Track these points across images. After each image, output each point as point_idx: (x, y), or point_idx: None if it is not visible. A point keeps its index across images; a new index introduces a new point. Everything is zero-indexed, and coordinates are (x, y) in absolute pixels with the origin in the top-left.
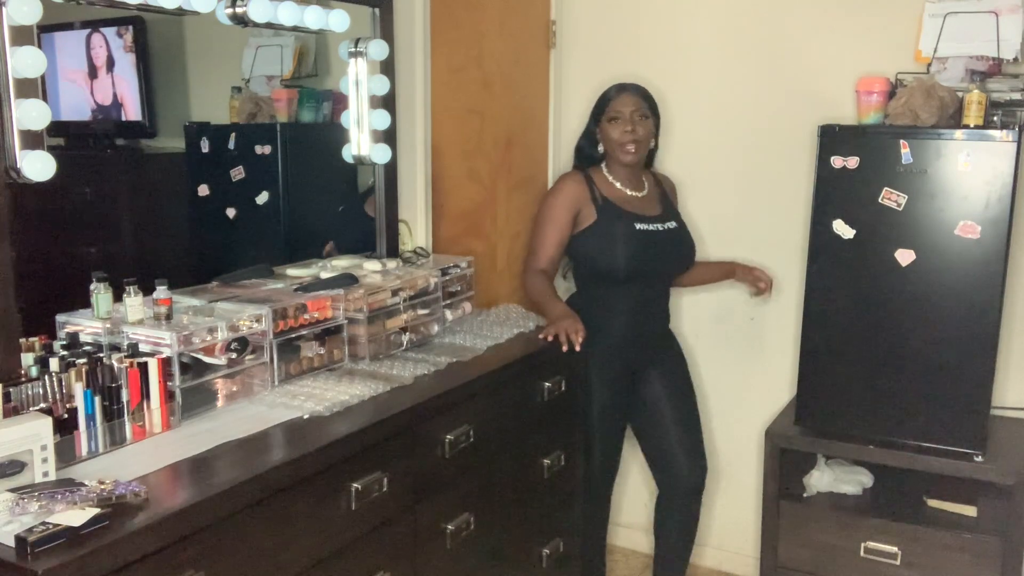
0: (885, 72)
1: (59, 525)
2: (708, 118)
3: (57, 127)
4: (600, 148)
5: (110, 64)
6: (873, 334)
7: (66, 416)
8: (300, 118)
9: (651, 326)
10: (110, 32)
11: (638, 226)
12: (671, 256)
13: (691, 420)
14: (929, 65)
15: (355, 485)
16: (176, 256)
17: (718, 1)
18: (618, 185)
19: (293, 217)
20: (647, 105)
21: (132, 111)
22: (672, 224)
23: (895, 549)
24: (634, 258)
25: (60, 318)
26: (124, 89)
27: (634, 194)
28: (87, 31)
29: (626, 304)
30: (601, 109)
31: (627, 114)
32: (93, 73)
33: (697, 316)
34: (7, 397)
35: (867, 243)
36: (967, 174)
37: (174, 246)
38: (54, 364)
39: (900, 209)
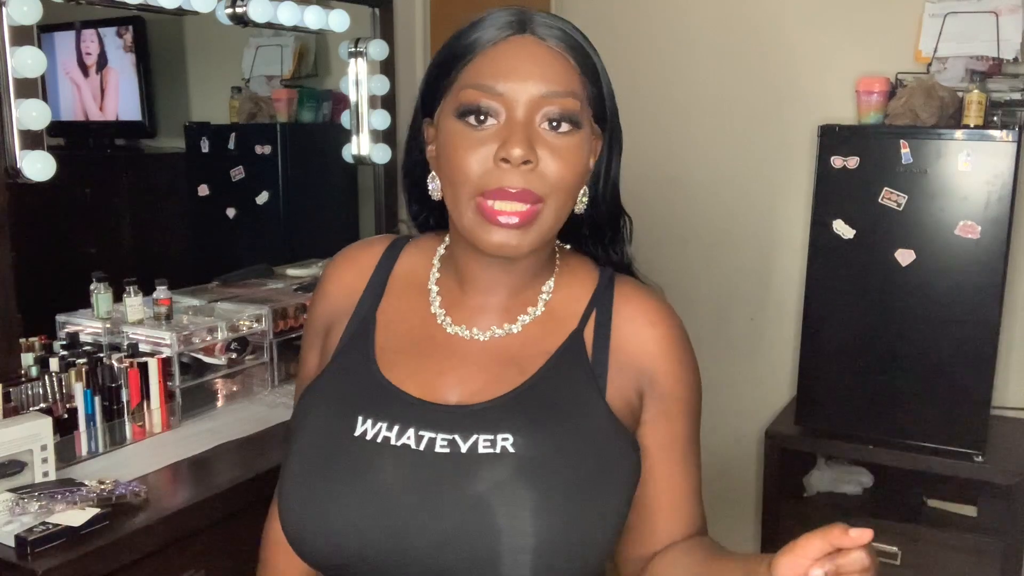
0: (885, 72)
1: (59, 525)
2: (708, 118)
3: (57, 126)
4: (435, 187)
5: (102, 63)
6: (873, 334)
7: (66, 416)
8: (300, 118)
9: None
10: (109, 32)
11: (365, 427)
12: (465, 539)
13: None
14: (929, 65)
15: None
16: (176, 256)
17: (717, 1)
18: (441, 289)
19: (293, 217)
20: (585, 81)
21: (130, 111)
22: (500, 443)
23: (895, 549)
24: (321, 520)
25: (60, 318)
26: (121, 88)
27: (462, 330)
28: (82, 31)
29: None
30: (441, 82)
31: (511, 103)
32: (85, 72)
33: (696, 315)
34: (7, 397)
35: (867, 243)
36: (967, 174)
37: (174, 246)
38: (54, 364)
39: (900, 209)
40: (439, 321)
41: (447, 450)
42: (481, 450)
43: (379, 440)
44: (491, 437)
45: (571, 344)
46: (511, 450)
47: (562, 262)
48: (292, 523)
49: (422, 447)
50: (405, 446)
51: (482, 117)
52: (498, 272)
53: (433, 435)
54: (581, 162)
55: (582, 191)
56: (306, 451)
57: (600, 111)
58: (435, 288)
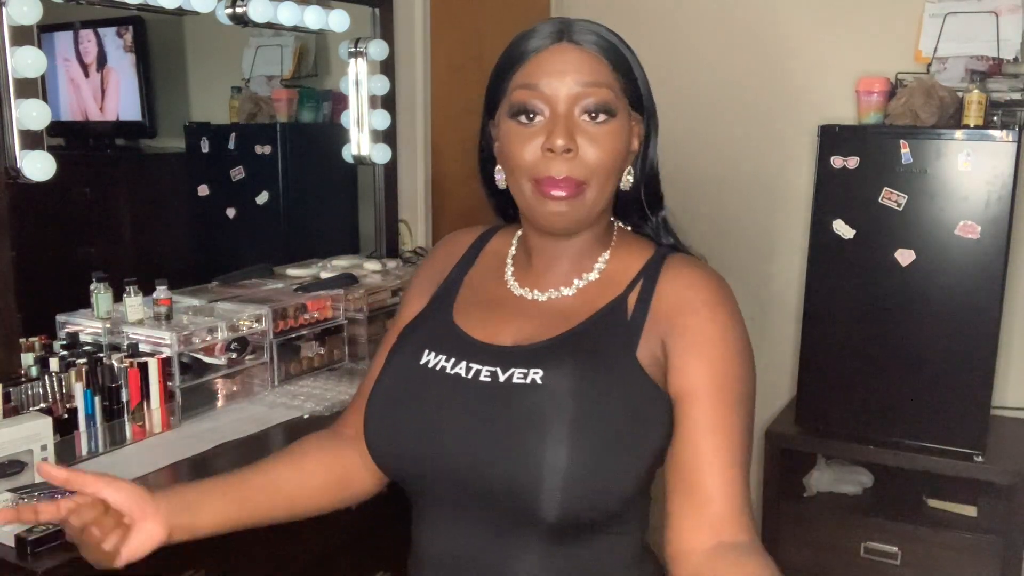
0: (885, 72)
1: (59, 525)
2: (708, 118)
3: (57, 126)
4: (501, 178)
5: (102, 63)
6: (873, 334)
7: (66, 416)
8: (300, 118)
9: None
10: (109, 32)
11: (428, 358)
12: (496, 452)
13: None
14: (929, 65)
15: None
16: (176, 256)
17: (717, 1)
18: (515, 262)
19: (293, 217)
20: (617, 75)
21: (130, 111)
22: (531, 375)
23: (895, 549)
24: (390, 431)
25: (60, 318)
26: (121, 88)
27: (526, 292)
28: (81, 31)
29: (432, 551)
30: (500, 87)
31: (553, 100)
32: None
33: None
34: (7, 397)
35: (867, 243)
36: (967, 174)
37: (174, 246)
38: (54, 364)
39: (900, 209)
40: (508, 286)
41: (488, 379)
42: (515, 380)
43: (437, 368)
44: (525, 371)
45: (615, 305)
46: (539, 382)
47: (619, 239)
48: (369, 436)
49: (469, 376)
50: (456, 374)
51: (531, 115)
52: (558, 245)
53: (480, 367)
54: (618, 147)
55: (626, 170)
56: (385, 379)
57: (636, 100)
58: (510, 261)
